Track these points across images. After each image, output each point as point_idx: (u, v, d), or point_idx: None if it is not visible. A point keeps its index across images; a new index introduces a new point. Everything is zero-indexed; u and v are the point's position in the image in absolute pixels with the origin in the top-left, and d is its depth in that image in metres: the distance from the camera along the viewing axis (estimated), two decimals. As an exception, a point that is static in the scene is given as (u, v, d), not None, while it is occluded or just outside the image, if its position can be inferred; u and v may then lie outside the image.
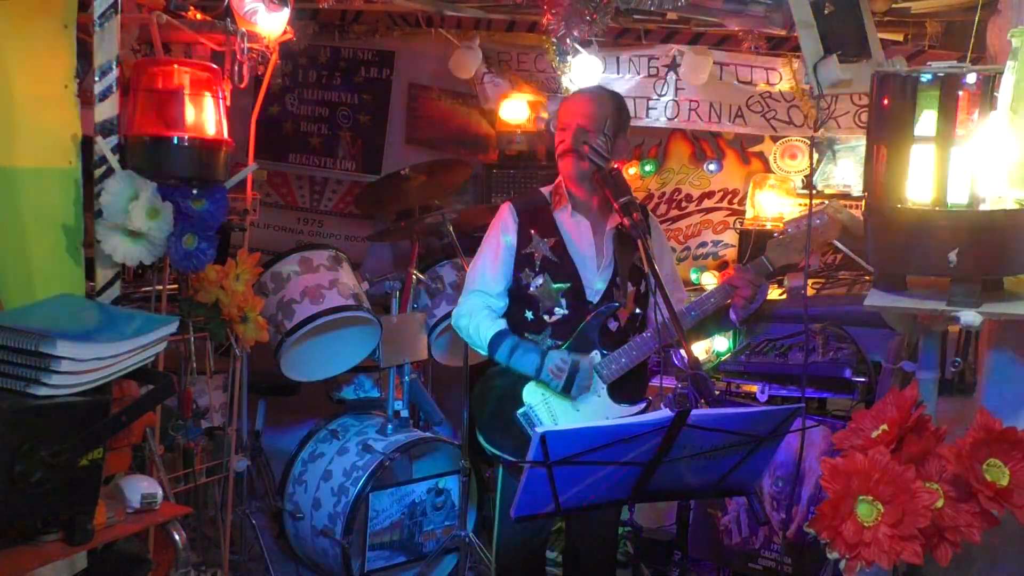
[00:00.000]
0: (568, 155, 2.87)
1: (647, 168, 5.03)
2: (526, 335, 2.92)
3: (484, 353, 2.93)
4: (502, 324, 2.91)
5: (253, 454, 3.96)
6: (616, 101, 2.94)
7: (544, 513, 2.13)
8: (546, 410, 2.85)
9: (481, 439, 2.96)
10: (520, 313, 2.94)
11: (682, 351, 2.53)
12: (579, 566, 3.08)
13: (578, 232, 2.93)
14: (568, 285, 2.89)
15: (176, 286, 3.17)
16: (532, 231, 2.93)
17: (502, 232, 2.95)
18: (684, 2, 3.59)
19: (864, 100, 4.24)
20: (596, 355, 2.85)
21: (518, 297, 2.94)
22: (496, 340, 2.86)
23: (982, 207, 1.90)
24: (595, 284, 2.90)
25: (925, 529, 1.80)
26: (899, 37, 4.09)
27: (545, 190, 3.02)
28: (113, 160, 2.70)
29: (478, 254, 3.01)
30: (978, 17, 2.44)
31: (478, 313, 2.93)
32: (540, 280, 2.90)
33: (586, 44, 4.33)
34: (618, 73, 4.63)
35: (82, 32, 2.61)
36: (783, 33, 4.21)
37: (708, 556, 3.75)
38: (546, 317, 2.90)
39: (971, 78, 1.88)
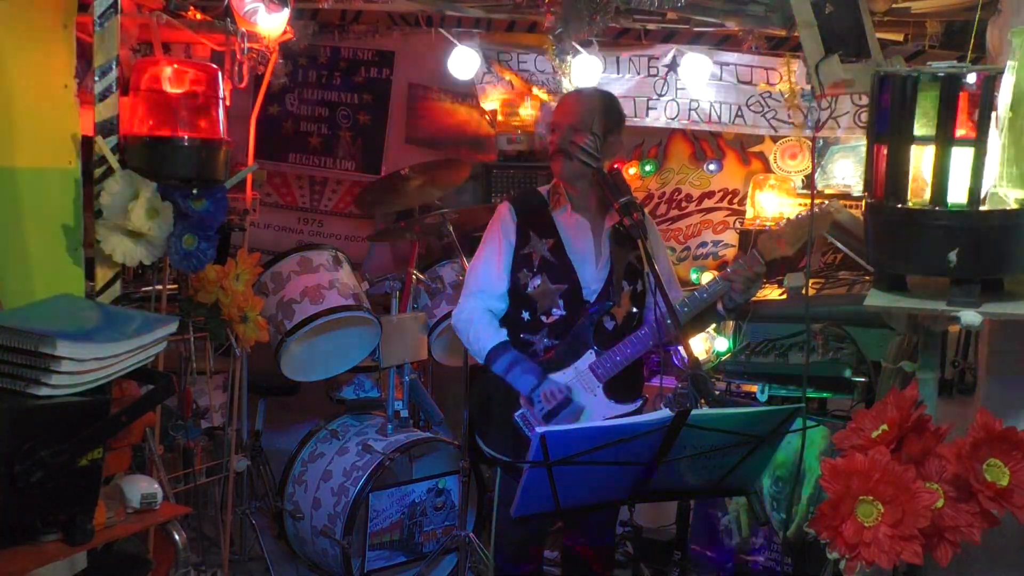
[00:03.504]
0: (557, 155, 2.87)
1: (647, 168, 5.03)
2: (522, 335, 2.92)
3: (481, 361, 2.92)
4: (503, 335, 2.90)
5: (253, 454, 3.96)
6: (605, 100, 2.94)
7: (544, 513, 2.14)
8: (544, 411, 2.85)
9: (479, 441, 2.96)
10: (517, 313, 2.94)
11: (682, 350, 2.53)
12: (577, 566, 3.08)
13: (576, 232, 2.93)
14: (566, 286, 2.88)
15: (176, 286, 3.17)
16: (531, 231, 2.92)
17: (502, 232, 2.95)
18: (684, 2, 3.60)
19: (864, 100, 4.25)
20: (591, 354, 2.85)
21: (516, 297, 2.94)
22: (495, 352, 2.85)
23: (982, 207, 1.90)
24: (592, 284, 2.90)
25: (925, 529, 1.80)
26: (899, 37, 4.09)
27: (543, 190, 3.01)
28: (113, 160, 2.70)
29: (478, 254, 3.00)
30: (978, 17, 2.44)
31: (479, 318, 2.92)
32: (538, 281, 2.90)
33: (586, 44, 4.34)
34: (618, 73, 4.64)
35: (82, 32, 2.61)
36: (783, 33, 4.21)
37: (708, 556, 3.75)
38: (543, 318, 2.90)
39: (971, 78, 1.88)
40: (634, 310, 2.94)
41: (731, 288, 2.80)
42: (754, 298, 2.94)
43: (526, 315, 2.92)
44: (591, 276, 2.90)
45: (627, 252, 2.88)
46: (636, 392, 2.96)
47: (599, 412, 2.84)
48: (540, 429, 1.95)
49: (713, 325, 3.39)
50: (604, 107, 2.90)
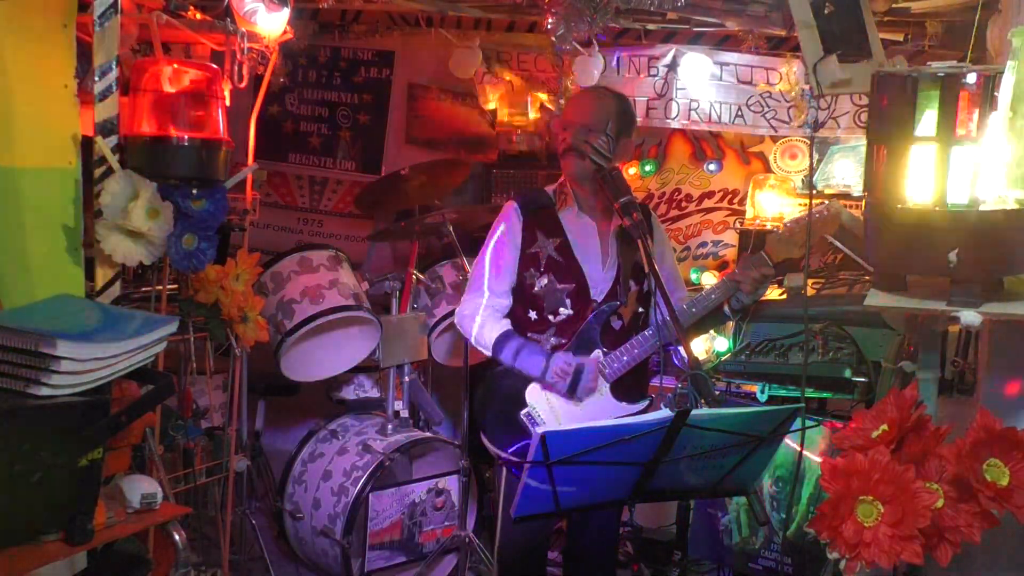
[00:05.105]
0: (569, 154, 2.87)
1: (647, 168, 5.03)
2: (529, 335, 2.92)
3: (488, 353, 2.92)
4: (507, 325, 2.91)
5: (253, 454, 3.96)
6: (620, 102, 2.94)
7: (544, 513, 2.14)
8: (549, 410, 2.85)
9: (485, 440, 2.96)
10: (524, 313, 2.94)
11: (682, 350, 2.53)
12: (579, 566, 3.08)
13: (583, 232, 2.93)
14: (572, 285, 2.89)
15: (176, 286, 3.17)
16: (537, 231, 2.93)
17: (508, 231, 2.95)
18: (684, 2, 3.60)
19: (864, 100, 4.25)
20: (598, 353, 2.86)
21: (522, 297, 2.95)
22: (501, 341, 2.86)
23: (982, 207, 1.90)
24: (600, 284, 2.90)
25: (925, 529, 1.80)
26: (899, 37, 4.09)
27: (549, 189, 3.01)
28: (113, 160, 2.70)
29: (483, 252, 3.01)
30: (978, 17, 2.44)
31: (483, 313, 2.93)
32: (545, 280, 2.90)
33: (586, 44, 4.34)
34: (618, 73, 4.64)
35: (82, 32, 2.61)
36: (783, 33, 4.21)
37: (708, 556, 3.75)
38: (550, 317, 2.91)
39: (971, 78, 1.88)
40: (640, 310, 2.95)
41: (739, 289, 2.82)
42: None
43: (533, 314, 2.92)
44: (598, 276, 2.91)
45: (634, 252, 2.88)
46: (642, 392, 2.97)
47: (606, 412, 2.85)
48: (540, 429, 1.95)
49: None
50: (618, 108, 2.91)
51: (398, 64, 5.32)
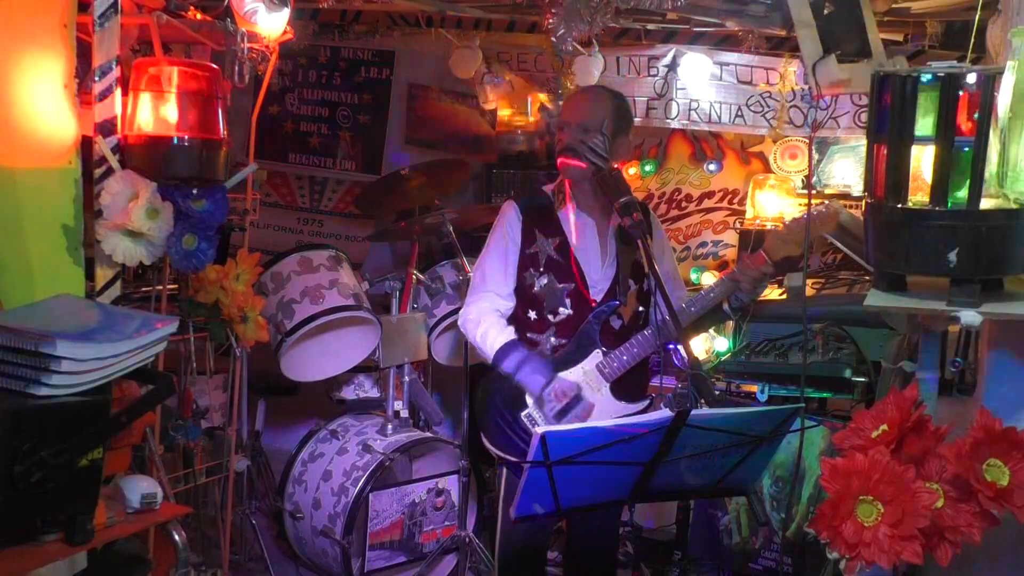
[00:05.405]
0: (566, 153, 2.88)
1: (647, 168, 5.03)
2: (529, 335, 2.92)
3: (488, 360, 2.92)
4: (511, 334, 2.91)
5: (253, 454, 3.96)
6: (616, 101, 2.94)
7: (544, 513, 2.13)
8: (549, 411, 2.85)
9: (485, 441, 2.96)
10: (523, 313, 2.94)
11: (682, 350, 2.54)
12: (579, 566, 3.08)
13: (582, 231, 2.93)
14: (572, 285, 2.89)
15: (176, 286, 3.17)
16: (536, 231, 2.93)
17: (508, 231, 2.95)
18: (684, 2, 3.60)
19: (864, 100, 4.25)
20: (598, 353, 2.86)
21: (522, 297, 2.95)
22: (504, 351, 2.86)
23: (982, 207, 1.90)
24: (599, 283, 2.90)
25: (925, 529, 1.80)
26: (899, 37, 4.09)
27: (548, 189, 3.02)
28: (113, 160, 2.70)
29: (484, 254, 3.01)
30: (978, 17, 2.44)
31: (487, 318, 2.92)
32: (544, 280, 2.90)
33: (586, 44, 4.34)
34: (618, 73, 4.64)
35: (82, 32, 2.61)
36: (783, 33, 4.21)
37: (708, 556, 3.75)
38: (550, 317, 2.91)
39: (971, 78, 1.88)
40: (640, 309, 2.96)
41: (739, 287, 2.82)
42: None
43: (533, 314, 2.92)
44: (597, 275, 2.91)
45: (633, 251, 2.89)
46: (642, 392, 2.97)
47: (606, 412, 2.85)
48: (540, 429, 1.95)
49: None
50: (615, 108, 2.91)
51: (398, 64, 5.32)
